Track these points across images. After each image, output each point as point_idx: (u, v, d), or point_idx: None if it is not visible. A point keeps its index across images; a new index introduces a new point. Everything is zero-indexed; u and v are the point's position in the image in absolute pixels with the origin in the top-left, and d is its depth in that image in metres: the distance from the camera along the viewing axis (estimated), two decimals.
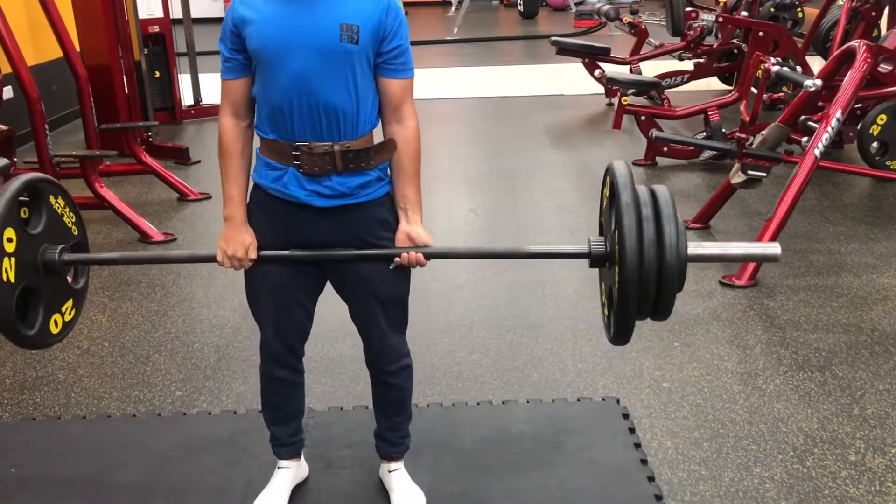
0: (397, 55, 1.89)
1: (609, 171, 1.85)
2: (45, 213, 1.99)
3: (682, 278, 1.76)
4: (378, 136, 1.98)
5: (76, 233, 2.10)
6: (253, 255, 1.97)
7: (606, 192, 1.88)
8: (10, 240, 1.85)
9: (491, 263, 4.00)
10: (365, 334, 2.12)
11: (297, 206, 1.94)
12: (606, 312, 1.96)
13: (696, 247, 1.82)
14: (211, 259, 1.99)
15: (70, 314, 2.12)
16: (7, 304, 1.86)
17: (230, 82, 1.94)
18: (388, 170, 2.00)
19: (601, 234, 1.98)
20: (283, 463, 2.27)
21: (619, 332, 1.85)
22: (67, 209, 2.09)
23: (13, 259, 1.87)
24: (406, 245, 1.98)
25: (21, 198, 1.92)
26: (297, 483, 2.30)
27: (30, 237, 1.93)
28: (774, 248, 1.86)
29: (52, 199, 2.01)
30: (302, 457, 2.33)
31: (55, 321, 2.06)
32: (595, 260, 1.92)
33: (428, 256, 1.99)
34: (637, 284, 1.73)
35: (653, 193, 1.80)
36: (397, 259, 1.97)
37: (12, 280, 1.87)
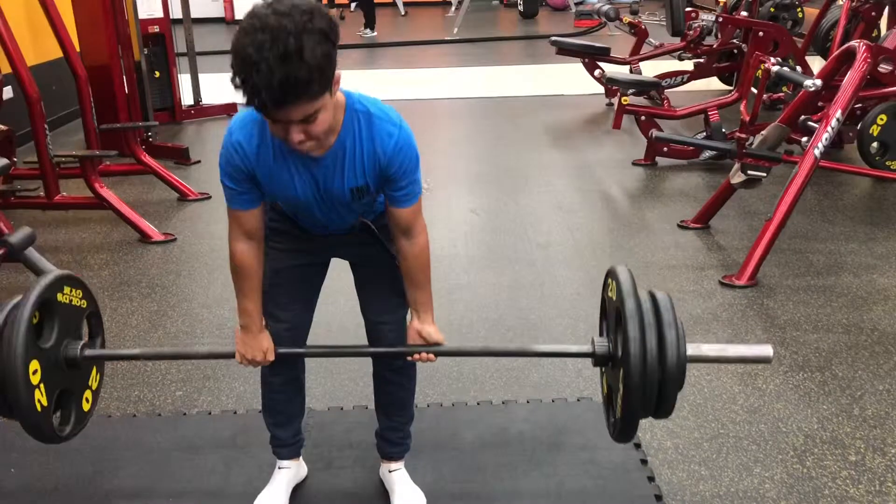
0: (403, 188, 1.88)
1: (612, 277, 1.97)
2: (56, 314, 2.03)
3: (682, 379, 1.88)
4: None
5: (86, 305, 2.15)
6: (271, 357, 2.02)
7: (611, 294, 1.98)
8: (35, 371, 1.91)
9: (491, 264, 4.00)
10: (374, 327, 2.13)
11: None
12: (609, 410, 2.07)
13: (694, 349, 1.94)
14: (231, 356, 2.05)
15: (96, 382, 2.20)
16: (48, 426, 1.96)
17: (240, 213, 1.89)
18: None
19: (601, 333, 2.11)
20: (282, 463, 2.28)
21: (623, 432, 1.94)
22: (74, 291, 2.11)
23: (42, 385, 1.94)
24: (417, 342, 2.03)
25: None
26: (296, 483, 2.31)
27: (50, 350, 1.99)
28: (767, 351, 1.98)
29: (59, 296, 2.03)
30: (301, 457, 2.33)
31: (86, 399, 2.15)
32: (599, 359, 2.03)
33: (438, 354, 2.05)
34: (641, 387, 1.84)
35: (654, 299, 1.92)
36: (409, 358, 2.05)
37: (45, 403, 1.95)
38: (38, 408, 1.92)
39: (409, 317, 2.08)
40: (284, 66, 1.50)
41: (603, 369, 2.10)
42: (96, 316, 2.20)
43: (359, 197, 1.87)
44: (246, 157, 1.78)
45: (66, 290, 2.04)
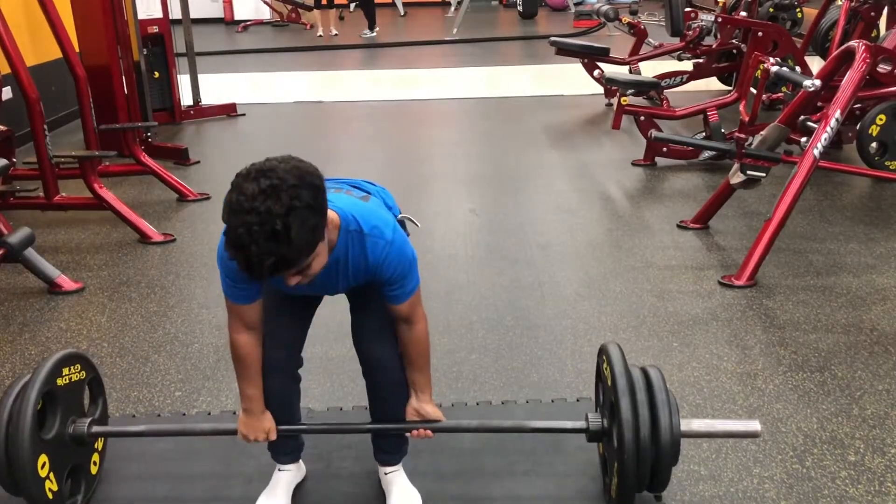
0: (399, 286, 1.96)
1: (605, 355, 2.06)
2: (58, 401, 2.08)
3: (676, 455, 1.97)
4: None
5: (85, 375, 2.22)
6: (273, 437, 2.10)
7: (607, 373, 2.05)
8: (43, 465, 2.00)
9: (490, 264, 4.00)
10: (364, 340, 2.13)
11: None
12: (606, 483, 2.14)
13: (686, 424, 2.02)
14: (233, 433, 2.13)
15: (101, 443, 2.30)
16: None
17: (242, 307, 1.95)
18: None
19: (596, 410, 2.20)
20: (282, 466, 2.28)
21: None
22: (73, 368, 2.17)
23: (51, 474, 2.03)
24: (415, 418, 2.13)
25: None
26: (295, 484, 2.31)
27: (55, 438, 2.06)
28: (755, 426, 2.07)
29: (59, 381, 2.10)
30: (300, 460, 2.33)
31: (94, 462, 2.27)
32: (592, 436, 2.13)
33: (437, 430, 2.14)
34: (635, 462, 1.92)
35: (646, 376, 2.01)
36: (408, 434, 2.17)
37: (56, 488, 2.04)
38: (50, 496, 2.01)
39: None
40: (274, 247, 1.59)
41: (600, 444, 2.20)
42: (96, 381, 2.29)
43: (353, 286, 2.02)
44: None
45: (65, 371, 2.12)
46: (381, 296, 2.00)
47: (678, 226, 4.44)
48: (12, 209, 4.57)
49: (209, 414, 2.74)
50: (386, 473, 2.29)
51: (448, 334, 3.27)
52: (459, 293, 3.66)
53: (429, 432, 2.12)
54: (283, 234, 1.57)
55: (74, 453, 2.16)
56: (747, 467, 2.41)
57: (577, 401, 2.74)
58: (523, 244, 4.25)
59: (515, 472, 2.38)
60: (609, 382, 2.02)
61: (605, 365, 2.05)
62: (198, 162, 5.96)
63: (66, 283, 3.78)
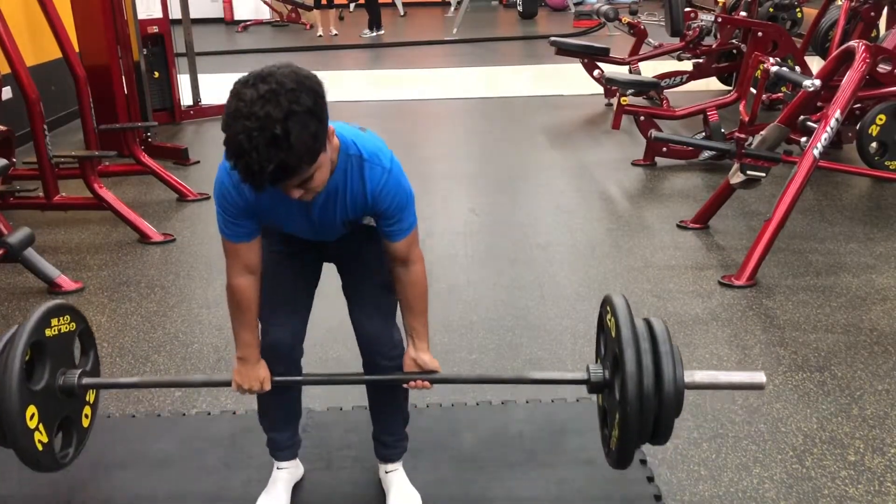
0: (397, 222, 1.93)
1: (609, 305, 2.00)
2: (47, 352, 2.03)
3: (679, 407, 1.92)
4: None
5: (75, 327, 2.16)
6: (268, 386, 2.03)
7: (608, 324, 2.00)
8: (32, 416, 1.94)
9: (490, 264, 4.00)
10: (359, 318, 2.12)
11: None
12: (606, 436, 2.09)
13: (689, 375, 1.97)
14: (227, 384, 2.07)
15: (93, 396, 2.22)
16: (51, 460, 2.00)
17: (239, 246, 1.91)
18: None
19: (597, 361, 2.14)
20: (280, 464, 2.28)
21: (621, 458, 1.96)
22: (62, 319, 2.12)
23: (41, 425, 1.97)
24: (413, 369, 2.06)
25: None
26: (294, 482, 2.31)
27: (44, 389, 2.01)
28: (760, 378, 2.02)
29: (47, 332, 2.04)
30: (298, 457, 2.33)
31: (85, 415, 2.19)
32: (594, 387, 2.06)
33: (434, 381, 2.08)
34: (637, 415, 1.87)
35: (650, 326, 1.96)
36: (405, 385, 2.09)
37: (46, 440, 1.98)
38: (39, 447, 1.96)
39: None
40: (274, 152, 1.55)
41: (599, 396, 2.14)
42: (86, 332, 2.22)
43: (350, 225, 1.94)
44: (241, 197, 1.82)
45: (54, 322, 2.06)
46: (379, 236, 1.95)
47: (678, 226, 4.44)
48: (12, 209, 4.57)
49: (209, 414, 2.74)
50: (386, 472, 2.29)
51: (448, 334, 3.27)
52: (459, 293, 3.66)
53: (426, 383, 2.06)
54: (283, 138, 1.54)
55: (64, 405, 2.08)
56: (747, 467, 2.41)
57: (577, 401, 2.74)
58: (523, 244, 4.25)
59: (515, 472, 2.38)
60: (612, 333, 1.96)
61: (608, 316, 1.99)
62: (198, 162, 5.96)
63: (66, 283, 3.79)
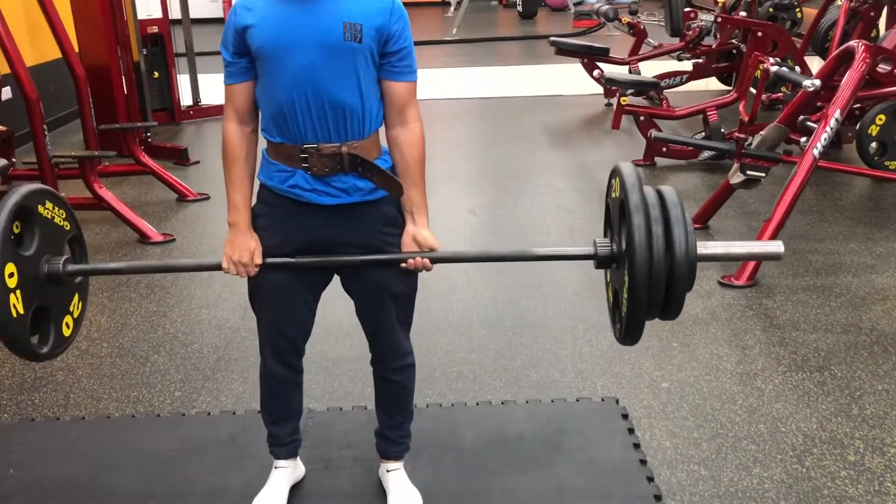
0: (401, 57, 1.89)
1: (616, 173, 1.86)
2: (36, 226, 1.95)
3: (691, 277, 1.78)
4: (384, 137, 1.99)
5: (69, 228, 2.07)
6: (258, 260, 1.97)
7: (615, 193, 1.87)
8: (11, 275, 1.83)
9: (490, 264, 4.00)
10: (373, 331, 2.11)
11: (306, 206, 1.95)
12: (614, 312, 1.96)
13: (702, 247, 1.83)
14: (217, 267, 2.00)
15: (78, 309, 2.10)
16: (23, 336, 1.87)
17: (233, 87, 1.93)
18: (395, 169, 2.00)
19: (605, 235, 1.99)
20: (280, 463, 2.28)
21: (629, 332, 1.85)
22: (57, 209, 2.04)
23: (19, 291, 1.85)
24: (412, 248, 1.99)
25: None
26: (294, 483, 2.31)
27: (29, 259, 1.91)
28: (777, 247, 1.89)
29: (40, 208, 1.96)
30: (298, 457, 2.33)
31: (66, 324, 2.06)
32: (601, 261, 1.93)
33: (434, 260, 1.99)
34: (647, 284, 1.73)
35: (660, 195, 1.82)
36: (403, 264, 1.98)
37: (21, 311, 1.86)
38: (14, 313, 1.83)
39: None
40: None
41: (607, 273, 2.00)
42: (79, 241, 2.11)
43: (351, 37, 1.82)
44: (250, 7, 1.84)
45: (49, 205, 1.97)
46: (381, 74, 1.89)
47: None
48: None
49: (209, 414, 2.74)
50: (388, 471, 2.29)
51: (448, 334, 3.27)
52: (459, 293, 3.66)
53: (426, 261, 1.97)
54: None
55: (47, 293, 1.95)
56: (747, 467, 2.41)
57: (577, 400, 2.74)
58: (523, 244, 4.25)
59: (515, 472, 2.38)
60: (620, 202, 1.83)
61: (615, 184, 1.86)
62: (197, 162, 5.96)
63: None
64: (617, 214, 1.87)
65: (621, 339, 1.90)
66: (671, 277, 1.76)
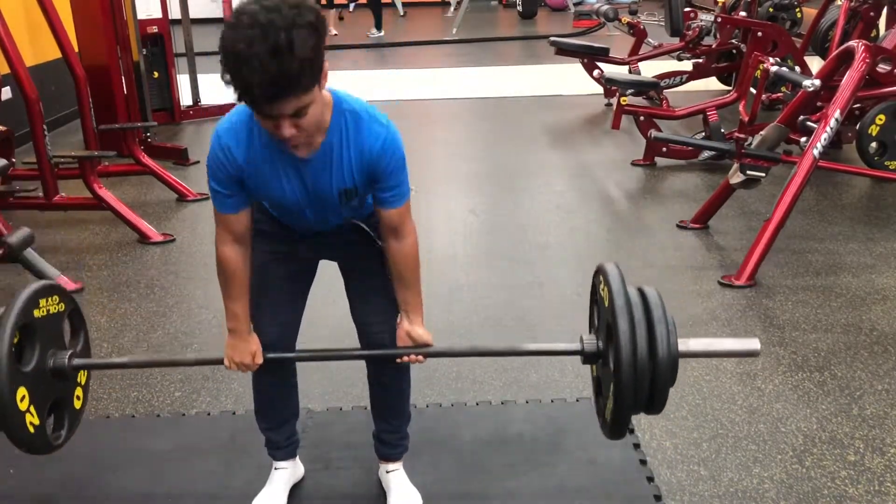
0: (392, 189, 1.89)
1: (602, 274, 1.97)
2: (36, 331, 1.99)
3: (674, 374, 1.89)
4: None
5: (64, 308, 2.12)
6: (259, 360, 2.00)
7: (601, 292, 1.98)
8: (23, 398, 1.91)
9: (489, 264, 4.00)
10: (365, 320, 2.11)
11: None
12: (597, 401, 2.07)
13: (683, 344, 1.94)
14: (219, 362, 2.03)
15: (84, 377, 2.18)
16: (44, 444, 1.97)
17: (229, 216, 1.89)
18: None
19: (590, 331, 2.11)
20: (278, 464, 2.28)
21: (615, 428, 1.95)
22: (50, 300, 2.07)
23: (32, 406, 1.93)
24: (406, 343, 2.03)
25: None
26: (293, 483, 2.31)
27: (35, 371, 1.97)
28: (754, 344, 1.99)
29: (36, 313, 2.00)
30: (297, 457, 2.33)
31: (77, 397, 2.15)
32: (588, 357, 2.04)
33: (428, 355, 2.05)
34: (632, 384, 1.84)
35: (643, 295, 1.93)
36: (398, 360, 2.05)
37: (38, 422, 1.95)
38: (31, 429, 1.93)
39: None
40: (276, 61, 1.51)
41: (593, 367, 2.10)
42: (76, 312, 2.16)
43: (347, 199, 1.88)
44: (234, 160, 1.79)
45: (42, 302, 2.02)
46: (374, 201, 1.92)
47: (678, 226, 4.44)
48: (12, 209, 4.57)
49: (208, 415, 2.74)
50: (387, 472, 2.29)
51: (448, 334, 3.27)
52: (459, 293, 3.66)
53: (420, 357, 2.02)
54: (286, 47, 1.50)
55: (56, 387, 2.04)
56: (747, 467, 2.41)
57: (577, 400, 2.74)
58: (523, 244, 4.25)
59: (515, 472, 2.38)
60: (605, 302, 1.92)
61: (601, 285, 1.95)
62: (197, 162, 5.95)
63: (66, 283, 3.78)
64: (602, 313, 1.98)
65: (608, 434, 1.99)
66: (654, 375, 1.86)
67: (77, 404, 2.14)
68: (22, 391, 1.90)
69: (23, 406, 1.90)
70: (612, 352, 1.87)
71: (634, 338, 1.82)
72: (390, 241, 1.96)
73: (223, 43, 1.55)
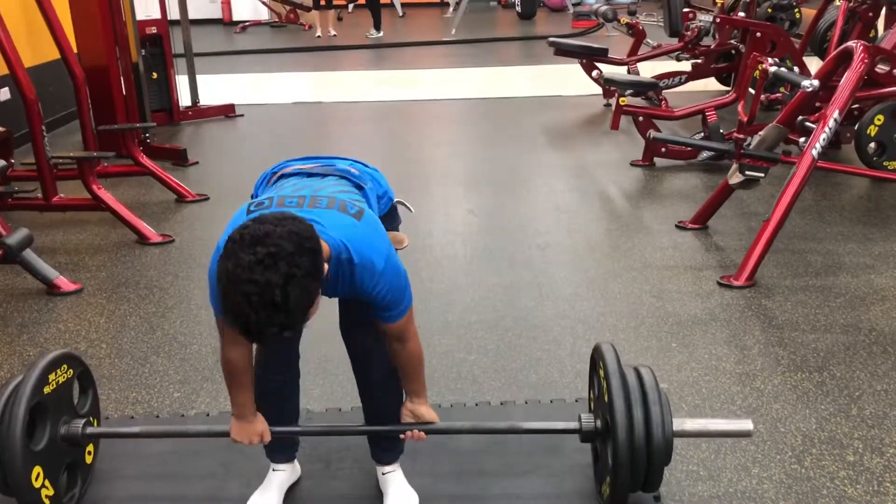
0: (389, 307, 1.93)
1: (598, 356, 2.07)
2: (49, 408, 2.06)
3: (669, 453, 1.99)
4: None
5: (72, 373, 2.19)
6: (267, 438, 2.08)
7: (600, 373, 2.07)
8: (38, 476, 1.99)
9: (489, 264, 4.00)
10: (353, 333, 2.15)
11: None
12: (598, 483, 2.17)
13: (678, 423, 2.04)
14: (227, 435, 2.10)
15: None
16: None
17: (231, 329, 1.88)
18: None
19: (589, 410, 2.24)
20: (276, 466, 2.28)
21: None
22: (59, 371, 2.13)
23: (46, 480, 2.02)
24: (409, 420, 2.14)
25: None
26: (289, 485, 2.31)
27: (48, 447, 2.05)
28: (747, 425, 2.10)
29: (46, 389, 2.06)
30: (295, 461, 2.33)
31: (88, 452, 2.26)
32: (586, 436, 2.14)
33: (430, 433, 2.15)
34: (629, 462, 1.95)
35: (639, 377, 2.03)
36: (402, 436, 2.16)
37: (52, 493, 2.04)
38: (47, 502, 2.01)
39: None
40: (274, 315, 1.59)
41: (592, 444, 2.21)
42: (85, 374, 2.26)
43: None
44: None
45: (51, 377, 2.09)
46: (375, 317, 1.97)
47: (677, 226, 4.44)
48: (11, 210, 4.56)
49: (208, 415, 2.74)
50: (384, 474, 2.28)
51: (447, 335, 3.27)
52: (458, 294, 3.66)
53: (421, 434, 2.12)
54: (283, 303, 1.57)
55: (68, 453, 2.14)
56: (746, 467, 2.41)
57: (576, 401, 2.74)
58: (522, 245, 4.25)
59: (513, 473, 2.38)
60: (603, 383, 2.03)
61: (599, 366, 2.07)
62: (196, 163, 5.95)
63: (65, 284, 3.78)
64: (601, 394, 2.08)
65: None
66: (650, 458, 1.96)
67: (88, 459, 2.24)
68: (37, 470, 1.98)
69: (37, 483, 1.98)
70: (610, 436, 1.99)
71: (632, 423, 1.93)
72: (394, 344, 2.02)
73: (220, 286, 1.60)
